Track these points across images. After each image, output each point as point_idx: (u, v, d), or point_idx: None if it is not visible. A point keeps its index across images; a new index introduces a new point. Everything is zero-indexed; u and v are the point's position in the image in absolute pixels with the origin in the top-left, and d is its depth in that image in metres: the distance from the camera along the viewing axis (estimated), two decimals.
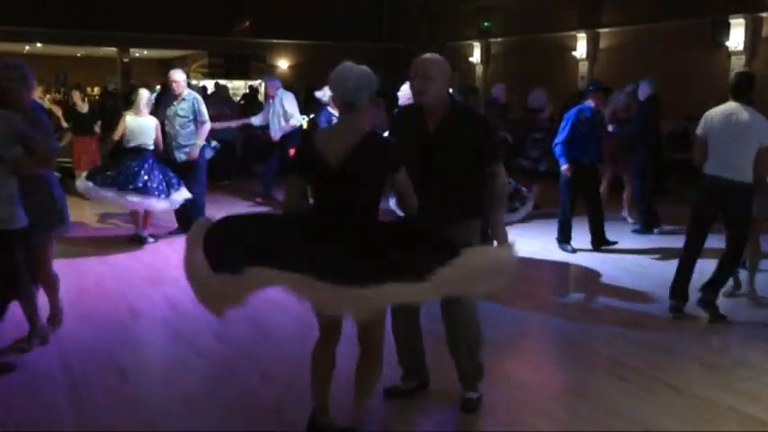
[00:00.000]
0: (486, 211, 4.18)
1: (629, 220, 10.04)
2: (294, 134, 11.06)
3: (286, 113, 11.04)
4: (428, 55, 4.11)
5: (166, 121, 8.86)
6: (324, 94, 9.33)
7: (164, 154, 8.86)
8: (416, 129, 4.09)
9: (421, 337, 4.52)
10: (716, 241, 6.61)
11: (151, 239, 8.77)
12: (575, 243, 8.70)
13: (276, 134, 11.09)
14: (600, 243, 8.67)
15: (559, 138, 8.47)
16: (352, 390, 3.92)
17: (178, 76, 8.93)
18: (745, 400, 4.54)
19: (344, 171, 3.56)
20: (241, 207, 11.08)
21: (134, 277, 7.31)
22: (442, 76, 4.02)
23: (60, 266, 7.54)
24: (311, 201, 3.80)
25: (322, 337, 3.92)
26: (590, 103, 8.52)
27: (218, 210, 10.56)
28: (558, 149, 8.46)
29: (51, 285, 5.57)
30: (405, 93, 9.19)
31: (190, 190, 8.76)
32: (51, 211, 5.28)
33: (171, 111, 8.88)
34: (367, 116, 3.75)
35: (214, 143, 9.44)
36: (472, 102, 7.70)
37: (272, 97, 11.27)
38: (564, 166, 8.45)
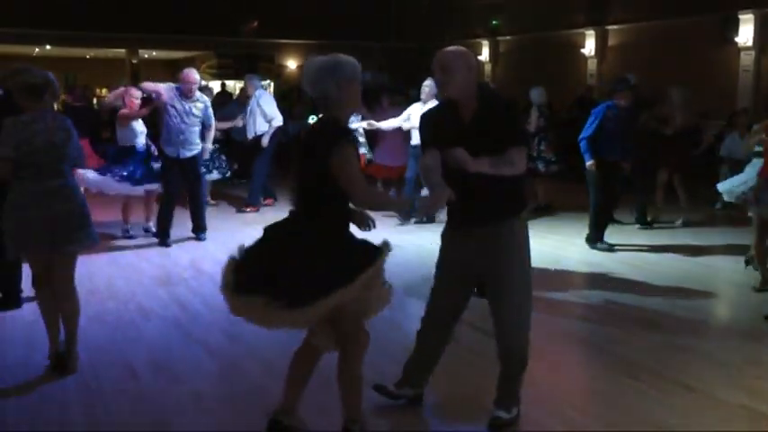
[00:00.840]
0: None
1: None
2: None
3: (265, 114, 10.96)
4: (449, 48, 3.99)
5: (175, 117, 8.75)
6: None
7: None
8: (451, 123, 3.95)
9: (442, 353, 4.38)
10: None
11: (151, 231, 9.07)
12: (579, 240, 8.70)
13: (251, 135, 11.06)
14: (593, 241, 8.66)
15: (585, 133, 8.45)
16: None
17: (195, 76, 8.90)
18: (758, 399, 4.52)
19: (302, 164, 3.65)
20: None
21: (144, 278, 7.32)
22: (465, 68, 3.87)
23: None
24: None
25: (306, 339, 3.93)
26: (618, 100, 8.43)
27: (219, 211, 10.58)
28: (582, 145, 8.46)
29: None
30: (427, 87, 9.38)
31: (195, 188, 8.87)
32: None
33: (183, 107, 8.76)
34: (350, 104, 3.70)
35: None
36: None
37: (250, 97, 11.20)
38: (588, 162, 8.43)
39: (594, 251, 8.49)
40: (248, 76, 11.67)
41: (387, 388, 4.36)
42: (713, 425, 4.18)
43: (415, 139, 9.55)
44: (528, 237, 4.03)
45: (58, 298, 4.87)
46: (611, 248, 8.49)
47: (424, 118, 4.22)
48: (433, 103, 9.70)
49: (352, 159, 3.54)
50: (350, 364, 3.78)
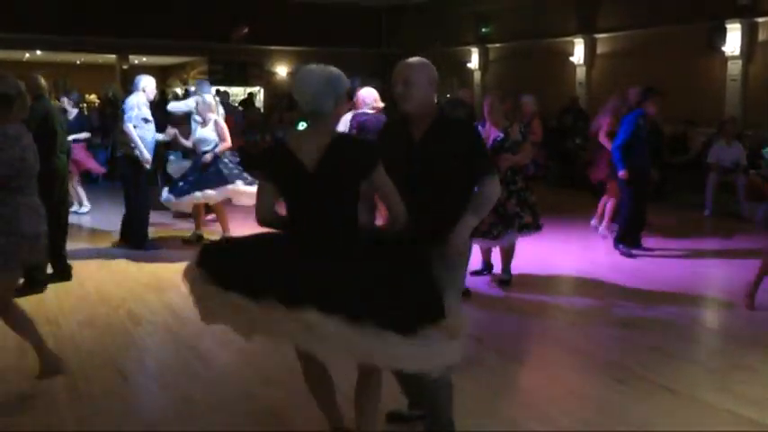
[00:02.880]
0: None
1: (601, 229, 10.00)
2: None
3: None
4: (411, 59, 3.75)
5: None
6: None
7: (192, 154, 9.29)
8: (401, 139, 3.76)
9: None
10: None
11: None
12: (571, 246, 8.75)
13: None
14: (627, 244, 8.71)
15: (617, 142, 8.48)
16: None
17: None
18: (743, 403, 4.55)
19: (320, 174, 3.33)
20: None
21: (134, 283, 7.34)
22: (426, 81, 3.67)
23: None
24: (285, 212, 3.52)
25: (304, 362, 3.63)
26: (648, 108, 8.41)
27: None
28: (615, 155, 8.49)
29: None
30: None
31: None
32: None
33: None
34: (338, 117, 3.66)
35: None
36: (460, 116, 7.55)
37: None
38: (620, 172, 8.48)
39: (587, 259, 8.55)
40: (198, 81, 11.72)
41: (401, 413, 4.22)
42: (698, 429, 4.22)
43: None
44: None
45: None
46: (630, 254, 8.57)
47: (380, 133, 4.10)
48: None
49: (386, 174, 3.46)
50: (374, 387, 3.60)
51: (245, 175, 8.99)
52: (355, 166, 3.36)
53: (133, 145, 8.47)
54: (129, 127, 8.44)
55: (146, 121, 8.60)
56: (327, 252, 3.20)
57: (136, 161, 8.54)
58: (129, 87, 21.92)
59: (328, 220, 3.36)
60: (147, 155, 8.54)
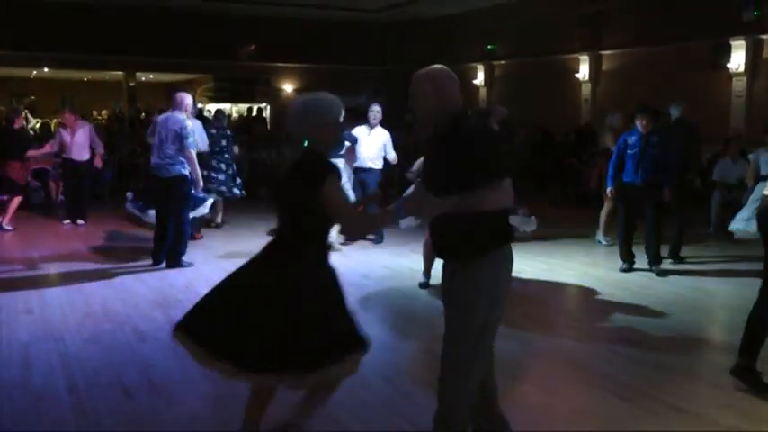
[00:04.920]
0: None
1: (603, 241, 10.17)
2: None
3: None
4: (420, 71, 3.71)
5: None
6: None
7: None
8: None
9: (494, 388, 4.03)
10: None
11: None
12: (572, 263, 8.75)
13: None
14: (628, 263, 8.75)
15: (611, 160, 8.79)
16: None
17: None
18: (749, 420, 4.55)
19: (281, 190, 3.74)
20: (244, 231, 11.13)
21: (139, 300, 7.35)
22: (431, 91, 3.61)
23: (66, 289, 7.68)
24: None
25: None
26: (637, 125, 8.47)
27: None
28: (608, 171, 8.82)
29: None
30: (373, 113, 9.75)
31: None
32: None
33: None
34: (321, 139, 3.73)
35: None
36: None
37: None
38: (608, 189, 8.80)
39: (591, 276, 8.54)
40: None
41: None
42: None
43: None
44: (482, 282, 3.59)
45: None
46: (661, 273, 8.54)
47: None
48: (378, 129, 9.92)
49: (338, 190, 3.64)
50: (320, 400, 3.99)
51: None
52: (303, 181, 3.61)
53: (191, 170, 8.51)
54: (193, 153, 8.49)
55: (196, 144, 8.73)
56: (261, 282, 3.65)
57: (188, 182, 8.57)
58: (136, 104, 22.13)
59: (284, 233, 3.76)
60: (201, 180, 8.78)
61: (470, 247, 3.56)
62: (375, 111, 9.99)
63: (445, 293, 3.75)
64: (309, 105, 3.74)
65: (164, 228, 8.73)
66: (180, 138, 8.36)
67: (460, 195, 3.45)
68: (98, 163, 12.22)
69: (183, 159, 8.42)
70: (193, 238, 9.89)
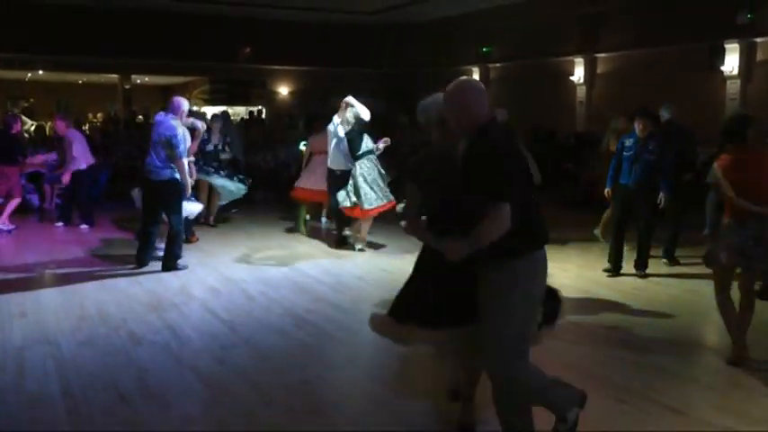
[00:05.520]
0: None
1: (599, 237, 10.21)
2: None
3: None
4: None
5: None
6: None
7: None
8: None
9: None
10: None
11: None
12: (569, 266, 8.76)
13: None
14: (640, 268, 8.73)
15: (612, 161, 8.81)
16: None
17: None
18: (744, 422, 4.57)
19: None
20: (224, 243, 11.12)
21: (134, 303, 7.33)
22: (450, 106, 3.86)
23: (60, 293, 7.67)
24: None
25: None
26: (635, 127, 8.48)
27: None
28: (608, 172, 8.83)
29: None
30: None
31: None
32: None
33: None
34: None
35: None
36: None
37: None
38: (606, 190, 8.87)
39: (586, 278, 8.54)
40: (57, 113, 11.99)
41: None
42: None
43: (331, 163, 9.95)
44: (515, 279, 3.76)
45: None
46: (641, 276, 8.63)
47: None
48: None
49: None
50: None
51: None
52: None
53: (182, 178, 8.51)
54: (185, 162, 8.48)
55: (187, 151, 8.68)
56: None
57: (179, 186, 8.55)
58: (131, 107, 22.09)
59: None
60: (190, 188, 8.79)
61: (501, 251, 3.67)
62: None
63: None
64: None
65: (147, 229, 8.79)
66: (170, 146, 8.36)
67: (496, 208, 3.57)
68: (65, 179, 11.76)
69: (174, 165, 8.45)
70: (188, 241, 9.88)
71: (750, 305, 5.71)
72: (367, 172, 9.54)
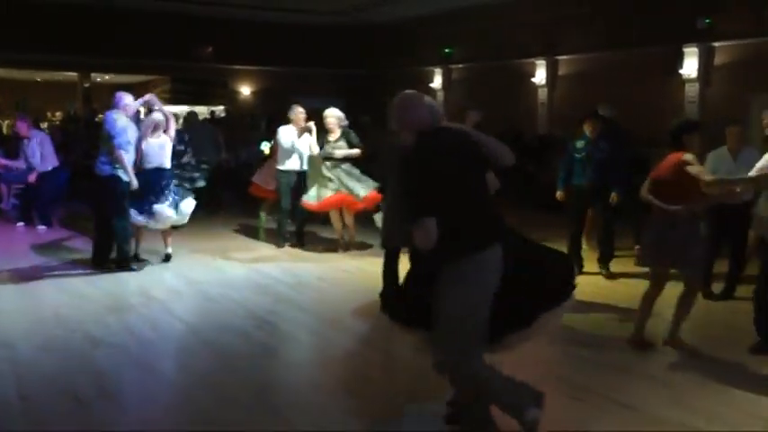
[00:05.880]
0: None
1: None
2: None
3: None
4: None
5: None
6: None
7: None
8: None
9: None
10: None
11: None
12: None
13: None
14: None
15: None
16: None
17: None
18: (698, 416, 4.64)
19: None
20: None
21: (92, 305, 7.23)
22: (393, 116, 4.16)
23: (17, 295, 7.55)
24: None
25: None
26: (585, 130, 8.62)
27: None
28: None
29: None
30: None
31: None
32: None
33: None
34: None
35: None
36: None
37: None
38: (558, 192, 8.92)
39: None
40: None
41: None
42: None
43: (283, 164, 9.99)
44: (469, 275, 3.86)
45: None
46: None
47: None
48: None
49: None
50: None
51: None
52: None
53: (123, 170, 8.39)
54: (122, 153, 8.36)
55: (129, 143, 8.53)
56: None
57: (120, 182, 8.43)
58: (91, 106, 21.75)
59: None
60: (135, 181, 8.47)
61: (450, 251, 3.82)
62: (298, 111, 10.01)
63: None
64: None
65: (101, 229, 8.76)
66: (108, 137, 8.37)
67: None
68: (31, 179, 11.70)
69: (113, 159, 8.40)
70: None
71: (682, 302, 6.08)
72: (346, 169, 9.52)
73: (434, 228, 3.69)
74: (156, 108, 9.03)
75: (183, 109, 17.84)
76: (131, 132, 8.55)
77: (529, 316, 4.01)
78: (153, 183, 8.70)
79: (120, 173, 8.40)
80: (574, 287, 4.15)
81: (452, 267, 3.85)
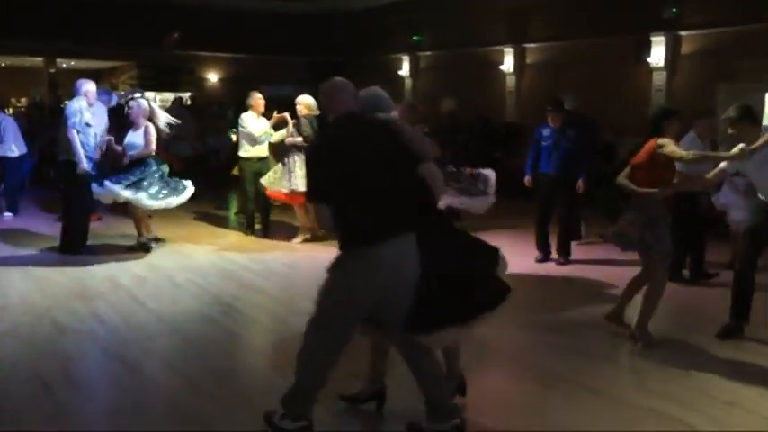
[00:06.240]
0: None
1: None
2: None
3: None
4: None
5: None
6: None
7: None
8: None
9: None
10: None
11: (154, 244, 9.12)
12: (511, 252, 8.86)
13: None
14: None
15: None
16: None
17: None
18: (666, 401, 4.70)
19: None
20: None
21: (60, 291, 7.17)
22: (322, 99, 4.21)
23: None
24: None
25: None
26: (549, 120, 8.68)
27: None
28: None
29: None
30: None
31: None
32: None
33: None
34: None
35: None
36: None
37: None
38: (526, 178, 8.95)
39: (514, 264, 8.63)
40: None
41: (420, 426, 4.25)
42: (619, 426, 4.34)
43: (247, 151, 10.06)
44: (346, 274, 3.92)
45: None
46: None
47: None
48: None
49: None
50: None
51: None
52: None
53: (74, 152, 8.44)
54: (73, 133, 8.43)
55: (87, 125, 8.57)
56: None
57: (72, 167, 8.50)
58: (57, 92, 21.42)
59: None
60: (84, 163, 8.48)
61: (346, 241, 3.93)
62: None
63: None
64: None
65: (66, 214, 8.89)
66: (65, 120, 8.53)
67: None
68: None
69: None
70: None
71: (633, 282, 6.18)
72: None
73: (327, 213, 3.79)
74: (138, 96, 9.18)
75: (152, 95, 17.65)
76: (88, 116, 8.62)
77: (464, 315, 4.05)
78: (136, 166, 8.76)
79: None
80: (509, 290, 4.37)
81: (338, 259, 3.94)
